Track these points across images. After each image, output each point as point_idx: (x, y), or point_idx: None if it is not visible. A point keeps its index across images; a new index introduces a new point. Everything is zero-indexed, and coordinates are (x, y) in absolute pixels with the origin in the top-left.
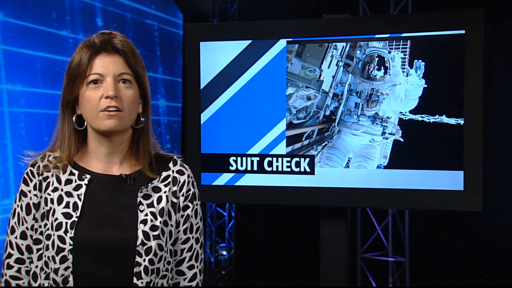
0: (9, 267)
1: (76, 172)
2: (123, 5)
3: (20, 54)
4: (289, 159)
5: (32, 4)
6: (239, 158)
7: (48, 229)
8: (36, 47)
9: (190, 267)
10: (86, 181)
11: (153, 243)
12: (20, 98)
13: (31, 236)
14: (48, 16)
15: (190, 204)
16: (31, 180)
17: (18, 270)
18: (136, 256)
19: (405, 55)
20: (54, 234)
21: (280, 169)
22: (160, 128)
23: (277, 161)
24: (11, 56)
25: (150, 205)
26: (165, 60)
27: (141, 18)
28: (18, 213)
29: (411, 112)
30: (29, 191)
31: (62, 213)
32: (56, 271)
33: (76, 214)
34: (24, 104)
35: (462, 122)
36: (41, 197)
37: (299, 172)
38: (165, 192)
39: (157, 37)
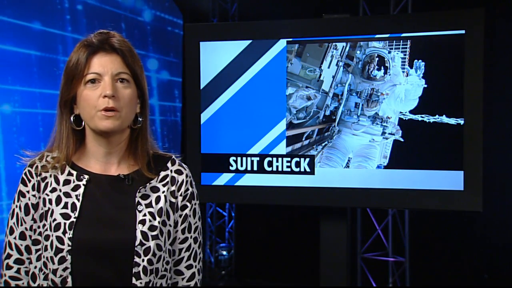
0: (9, 267)
1: (75, 173)
2: (118, 3)
3: (12, 52)
4: (289, 159)
5: (26, 2)
6: (239, 158)
7: (46, 229)
8: (27, 45)
9: (189, 267)
10: (84, 182)
11: (151, 243)
12: (11, 97)
13: (30, 236)
14: (42, 14)
15: (188, 204)
16: (29, 181)
17: (18, 271)
18: (135, 256)
19: (405, 55)
20: (52, 235)
21: (280, 169)
22: (155, 126)
23: (277, 161)
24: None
25: (149, 205)
26: (161, 59)
27: (136, 17)
28: (17, 214)
29: (411, 112)
30: (28, 192)
31: (61, 214)
32: (54, 271)
33: (75, 214)
34: (17, 104)
35: (462, 122)
36: (39, 197)
37: (299, 172)
38: (163, 192)
39: (151, 35)
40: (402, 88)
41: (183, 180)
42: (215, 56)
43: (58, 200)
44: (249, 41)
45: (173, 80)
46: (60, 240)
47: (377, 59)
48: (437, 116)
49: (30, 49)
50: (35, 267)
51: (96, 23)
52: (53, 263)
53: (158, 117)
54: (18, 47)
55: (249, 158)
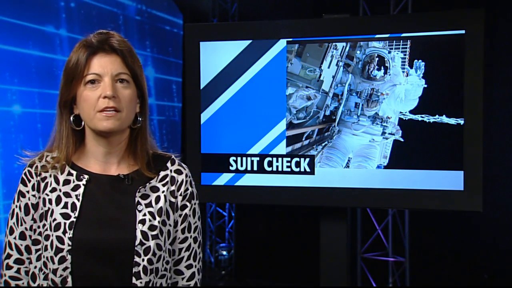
0: (9, 267)
1: (74, 173)
2: (116, 3)
3: (8, 52)
4: (289, 159)
5: (24, 2)
6: (239, 158)
7: (46, 229)
8: (24, 44)
9: (188, 267)
10: (84, 182)
11: (151, 243)
12: (10, 96)
13: (30, 236)
14: (39, 14)
15: (188, 204)
16: (29, 181)
17: (18, 271)
18: (135, 256)
19: (405, 55)
20: (52, 235)
21: (280, 169)
22: (153, 126)
23: (277, 161)
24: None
25: (148, 205)
26: (160, 59)
27: (135, 16)
28: (17, 214)
29: (411, 112)
30: (27, 192)
31: (61, 214)
32: (54, 271)
33: (75, 214)
34: (15, 103)
35: (462, 122)
36: (39, 197)
37: (299, 172)
38: (163, 191)
39: (150, 35)
40: (402, 88)
41: (182, 180)
42: (215, 56)
43: (58, 200)
44: (249, 41)
45: (172, 80)
46: (60, 240)
47: (377, 59)
48: (437, 116)
49: (28, 48)
50: (35, 267)
51: (94, 22)
52: (53, 263)
53: (156, 116)
54: (16, 46)
55: (249, 158)
